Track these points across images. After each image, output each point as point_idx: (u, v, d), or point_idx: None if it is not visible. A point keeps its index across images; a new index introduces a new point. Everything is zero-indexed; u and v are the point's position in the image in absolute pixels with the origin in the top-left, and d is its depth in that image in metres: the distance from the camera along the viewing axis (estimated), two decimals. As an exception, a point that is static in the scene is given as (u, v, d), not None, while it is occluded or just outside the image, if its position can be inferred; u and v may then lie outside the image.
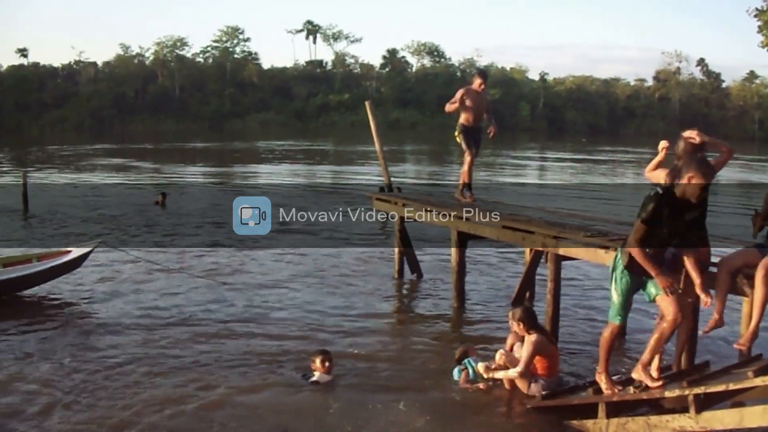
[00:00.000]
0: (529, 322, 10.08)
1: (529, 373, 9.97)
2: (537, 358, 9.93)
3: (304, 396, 10.21)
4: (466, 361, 10.63)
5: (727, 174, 43.13)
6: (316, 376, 10.62)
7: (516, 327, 10.20)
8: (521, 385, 10.10)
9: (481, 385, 10.33)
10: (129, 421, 9.27)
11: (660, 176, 8.99)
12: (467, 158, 15.80)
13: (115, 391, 10.25)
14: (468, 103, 15.54)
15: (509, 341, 10.80)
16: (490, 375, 10.29)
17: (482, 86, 15.63)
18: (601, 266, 11.11)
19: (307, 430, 9.22)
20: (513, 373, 10.04)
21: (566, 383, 10.28)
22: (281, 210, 27.57)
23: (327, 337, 12.74)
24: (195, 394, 10.14)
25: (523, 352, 10.00)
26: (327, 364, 10.66)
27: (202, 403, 9.88)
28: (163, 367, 11.21)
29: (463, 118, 15.81)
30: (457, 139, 15.95)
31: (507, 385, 10.25)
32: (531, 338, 9.96)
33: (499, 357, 10.51)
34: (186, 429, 9.15)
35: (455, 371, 10.71)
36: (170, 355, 11.75)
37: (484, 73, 16.45)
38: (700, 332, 8.73)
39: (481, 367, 10.41)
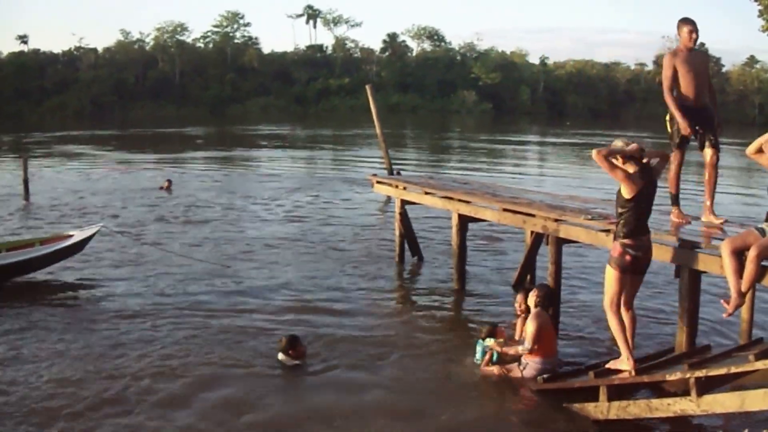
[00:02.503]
0: (545, 301, 10.20)
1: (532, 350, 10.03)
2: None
3: (279, 380, 10.29)
4: (493, 340, 10.61)
5: (727, 161, 43.13)
6: (281, 357, 10.72)
7: (531, 298, 10.29)
8: (515, 370, 10.18)
9: (495, 370, 10.33)
10: (120, 397, 9.39)
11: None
12: (674, 159, 10.83)
13: (112, 367, 10.40)
14: (681, 69, 10.53)
15: (519, 327, 10.81)
16: (504, 350, 10.33)
17: (693, 37, 10.44)
18: (602, 249, 11.11)
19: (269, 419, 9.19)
20: (521, 349, 10.06)
21: (566, 366, 10.30)
22: (281, 195, 27.84)
23: (324, 320, 12.79)
24: (167, 373, 10.29)
25: (528, 327, 10.02)
26: (291, 351, 10.69)
27: (168, 382, 10.04)
28: (156, 346, 11.36)
29: (676, 93, 10.72)
30: (668, 127, 10.95)
31: (502, 372, 10.29)
32: (536, 312, 10.05)
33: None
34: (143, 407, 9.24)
35: (479, 350, 10.70)
36: (163, 334, 11.89)
37: (690, 18, 10.57)
38: (723, 314, 8.70)
39: (492, 341, 10.45)
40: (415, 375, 10.37)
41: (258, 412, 9.18)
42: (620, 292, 9.11)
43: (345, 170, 39.37)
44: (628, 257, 8.91)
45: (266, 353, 11.04)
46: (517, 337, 10.69)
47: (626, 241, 8.91)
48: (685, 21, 10.50)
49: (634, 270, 9.11)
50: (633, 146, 8.85)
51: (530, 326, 9.98)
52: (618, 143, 8.95)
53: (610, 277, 9.06)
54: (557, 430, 8.82)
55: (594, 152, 8.83)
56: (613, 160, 8.84)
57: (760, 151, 9.08)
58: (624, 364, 9.12)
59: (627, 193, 8.83)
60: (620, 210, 8.97)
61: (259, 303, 13.82)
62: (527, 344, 9.96)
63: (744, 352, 8.14)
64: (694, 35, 10.42)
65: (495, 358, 10.43)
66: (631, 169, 8.85)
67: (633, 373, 8.84)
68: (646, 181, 8.90)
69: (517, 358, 10.21)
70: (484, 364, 10.49)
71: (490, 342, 10.43)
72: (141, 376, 10.15)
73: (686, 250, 9.33)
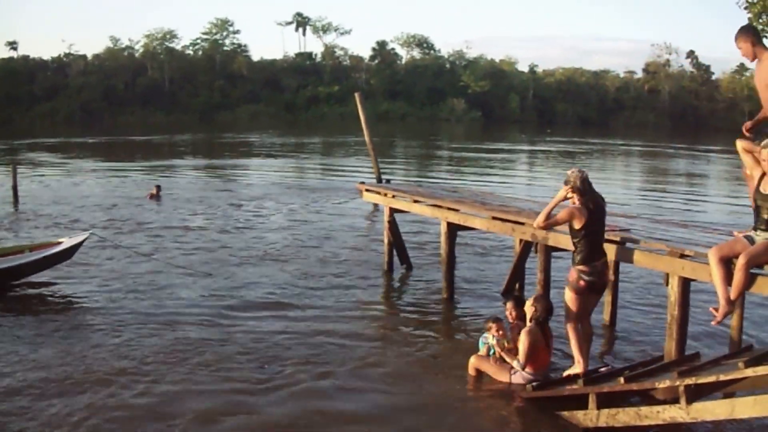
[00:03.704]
0: (542, 315, 10.14)
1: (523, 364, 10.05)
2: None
3: (263, 389, 10.15)
4: (493, 338, 10.60)
5: (715, 168, 43.34)
6: None
7: (529, 310, 10.19)
8: (502, 375, 10.23)
9: (491, 360, 10.41)
10: (99, 406, 9.31)
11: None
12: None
13: (88, 373, 10.40)
14: (756, 85, 9.39)
15: (513, 336, 10.79)
16: (502, 354, 10.37)
17: (741, 53, 9.22)
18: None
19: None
20: (515, 365, 10.10)
21: (555, 375, 10.31)
22: (269, 203, 27.83)
23: (311, 328, 12.71)
24: (143, 382, 10.20)
25: (520, 344, 10.04)
26: None
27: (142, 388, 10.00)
28: (138, 353, 11.30)
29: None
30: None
31: (493, 363, 10.43)
32: (529, 329, 10.02)
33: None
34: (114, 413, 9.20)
35: (481, 340, 10.75)
36: (146, 343, 11.81)
37: (744, 29, 9.32)
38: (712, 322, 8.73)
39: (494, 341, 10.50)
40: (402, 383, 10.35)
41: (240, 422, 9.11)
42: (578, 311, 9.95)
43: (333, 178, 39.32)
44: (582, 282, 9.73)
45: (250, 361, 11.04)
46: (512, 345, 10.64)
47: (580, 267, 9.72)
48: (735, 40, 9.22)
49: (590, 291, 9.89)
50: (558, 196, 9.89)
51: (522, 343, 10.01)
52: (570, 175, 9.78)
53: (568, 298, 9.93)
54: (547, 438, 8.85)
55: (535, 225, 10.26)
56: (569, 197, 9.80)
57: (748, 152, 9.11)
58: (576, 368, 9.88)
59: (577, 224, 9.66)
60: (573, 239, 9.80)
61: (245, 312, 13.77)
62: (521, 360, 10.01)
63: (733, 360, 8.15)
64: (740, 52, 9.18)
65: (492, 352, 10.45)
66: (578, 201, 9.68)
67: (582, 377, 9.17)
68: (593, 210, 9.68)
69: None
70: (483, 352, 10.59)
71: (492, 341, 10.50)
72: (120, 383, 10.15)
73: (675, 257, 9.34)
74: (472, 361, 10.54)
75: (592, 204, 9.69)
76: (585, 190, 9.67)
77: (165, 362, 10.96)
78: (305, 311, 13.79)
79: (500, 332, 10.51)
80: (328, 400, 9.74)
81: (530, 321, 10.11)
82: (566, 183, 9.73)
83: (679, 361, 9.17)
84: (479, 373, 10.50)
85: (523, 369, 10.00)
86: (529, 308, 10.20)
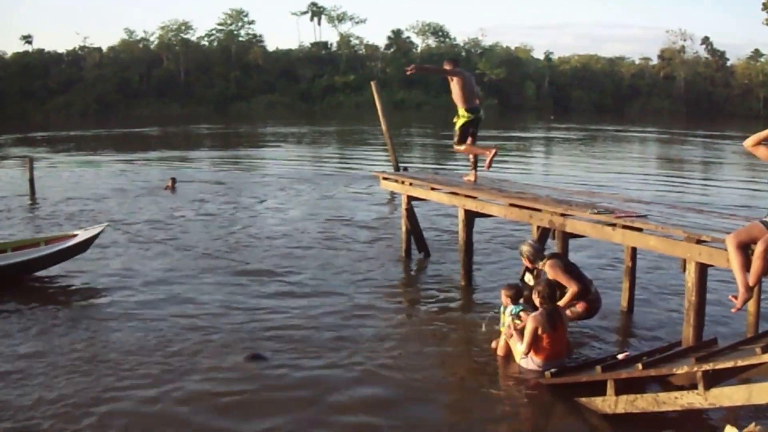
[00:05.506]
0: (547, 298, 10.09)
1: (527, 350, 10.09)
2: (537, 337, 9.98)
3: (275, 382, 10.10)
4: (503, 309, 10.91)
5: (731, 153, 43.12)
6: None
7: (536, 297, 10.20)
8: (515, 354, 10.36)
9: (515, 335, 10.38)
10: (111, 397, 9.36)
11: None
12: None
13: (111, 367, 10.37)
14: None
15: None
16: (505, 331, 10.56)
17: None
18: (609, 243, 11.14)
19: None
20: (519, 348, 10.15)
21: (573, 361, 10.31)
22: (286, 192, 27.86)
23: (329, 314, 12.76)
24: (163, 378, 10.14)
25: (526, 330, 10.02)
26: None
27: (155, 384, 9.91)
28: (156, 344, 11.33)
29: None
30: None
31: (501, 352, 10.66)
32: (533, 315, 10.01)
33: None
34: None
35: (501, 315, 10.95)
36: (159, 332, 11.88)
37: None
38: (732, 310, 8.70)
39: (506, 317, 10.72)
40: (420, 368, 10.37)
41: (255, 408, 9.15)
42: None
43: (351, 167, 39.36)
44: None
45: (264, 348, 11.07)
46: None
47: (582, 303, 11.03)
48: None
49: None
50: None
51: (526, 330, 10.02)
52: (524, 248, 11.44)
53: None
54: (566, 424, 8.86)
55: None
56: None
57: (758, 144, 9.03)
58: None
59: (575, 286, 10.84)
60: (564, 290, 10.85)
61: (262, 296, 13.89)
62: (524, 348, 10.03)
63: (751, 345, 8.11)
64: None
65: (499, 324, 10.53)
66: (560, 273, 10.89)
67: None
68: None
69: None
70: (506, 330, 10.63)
71: (505, 317, 10.73)
72: (131, 375, 10.17)
73: (692, 243, 9.32)
74: (501, 335, 10.75)
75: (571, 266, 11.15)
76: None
77: (175, 351, 11.02)
78: (321, 298, 13.82)
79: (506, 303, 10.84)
80: (343, 387, 9.76)
81: (541, 306, 10.12)
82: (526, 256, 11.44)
83: (697, 347, 9.15)
84: (506, 352, 10.59)
85: (527, 355, 10.03)
86: (535, 295, 10.20)
